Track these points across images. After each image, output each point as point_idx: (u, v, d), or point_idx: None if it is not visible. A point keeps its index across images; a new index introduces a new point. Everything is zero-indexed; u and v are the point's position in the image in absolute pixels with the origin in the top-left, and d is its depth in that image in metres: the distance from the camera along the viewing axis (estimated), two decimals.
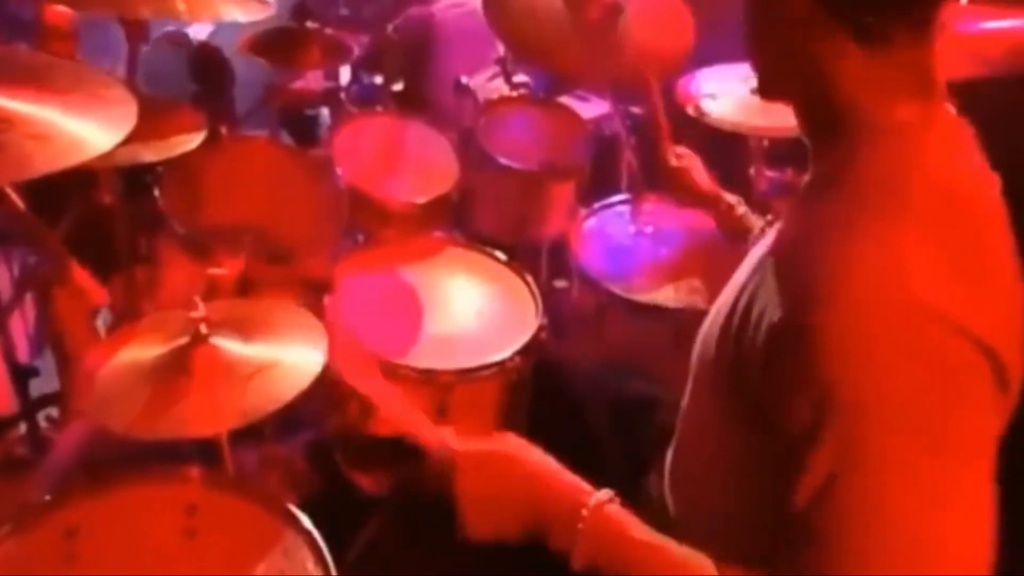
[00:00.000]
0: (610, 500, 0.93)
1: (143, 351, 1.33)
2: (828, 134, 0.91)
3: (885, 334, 0.75)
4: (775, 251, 0.92)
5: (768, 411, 0.83)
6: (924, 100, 0.88)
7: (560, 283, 2.36)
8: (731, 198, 1.64)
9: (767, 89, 1.00)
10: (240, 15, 1.63)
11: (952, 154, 0.88)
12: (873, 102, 0.87)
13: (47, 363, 1.93)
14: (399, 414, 1.06)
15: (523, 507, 0.95)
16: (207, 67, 2.86)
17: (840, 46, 0.85)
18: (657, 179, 1.82)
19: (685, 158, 1.73)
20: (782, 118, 2.17)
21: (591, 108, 2.72)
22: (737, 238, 1.59)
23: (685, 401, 1.10)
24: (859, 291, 0.77)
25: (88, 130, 1.18)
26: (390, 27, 2.81)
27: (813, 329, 0.77)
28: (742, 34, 0.96)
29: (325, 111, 3.12)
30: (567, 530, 0.92)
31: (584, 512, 0.91)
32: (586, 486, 0.95)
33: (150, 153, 1.58)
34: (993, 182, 0.93)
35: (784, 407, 0.80)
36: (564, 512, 0.93)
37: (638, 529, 0.92)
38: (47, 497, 1.23)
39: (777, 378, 0.81)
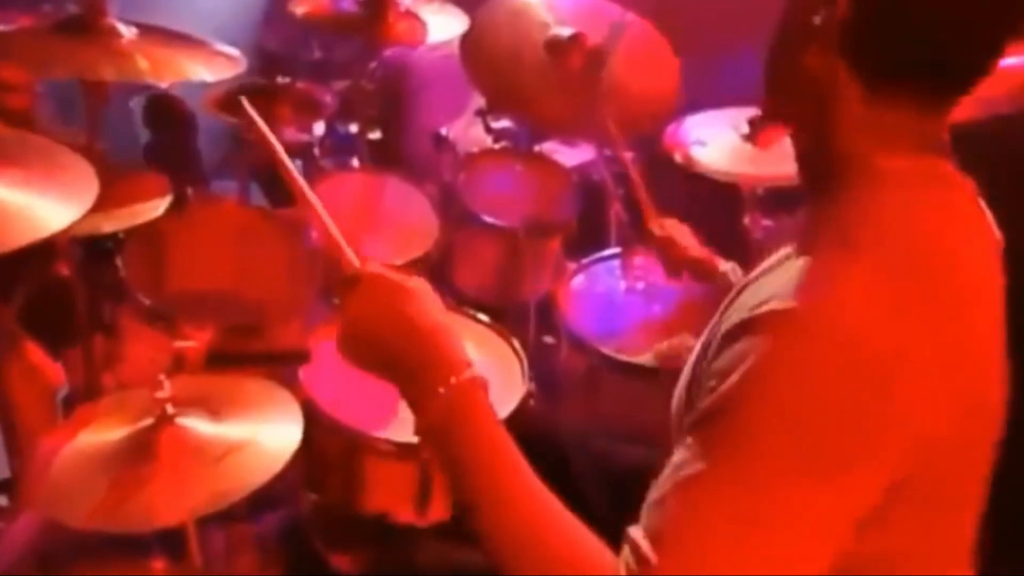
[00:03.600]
0: (485, 386, 0.92)
1: (103, 434, 1.32)
2: (824, 184, 0.94)
3: (810, 357, 0.79)
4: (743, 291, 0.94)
5: None
6: (920, 155, 0.92)
7: (549, 339, 2.37)
8: (725, 265, 1.65)
9: (772, 111, 1.04)
10: (207, 74, 1.66)
11: (936, 208, 0.91)
12: (869, 152, 0.91)
13: None
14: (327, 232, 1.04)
15: (397, 342, 0.93)
16: (163, 116, 2.88)
17: (848, 93, 0.90)
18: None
19: (668, 227, 1.75)
20: (774, 166, 2.18)
21: (581, 153, 2.74)
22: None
23: None
24: (796, 316, 0.81)
25: (45, 206, 1.19)
26: (366, 72, 2.84)
27: (745, 347, 0.81)
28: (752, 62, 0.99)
29: (298, 162, 3.14)
30: (427, 387, 0.90)
31: (453, 380, 0.90)
32: (470, 360, 0.93)
33: (111, 223, 1.58)
34: (990, 244, 0.97)
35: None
36: (434, 367, 0.91)
37: (497, 425, 0.91)
38: None
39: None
